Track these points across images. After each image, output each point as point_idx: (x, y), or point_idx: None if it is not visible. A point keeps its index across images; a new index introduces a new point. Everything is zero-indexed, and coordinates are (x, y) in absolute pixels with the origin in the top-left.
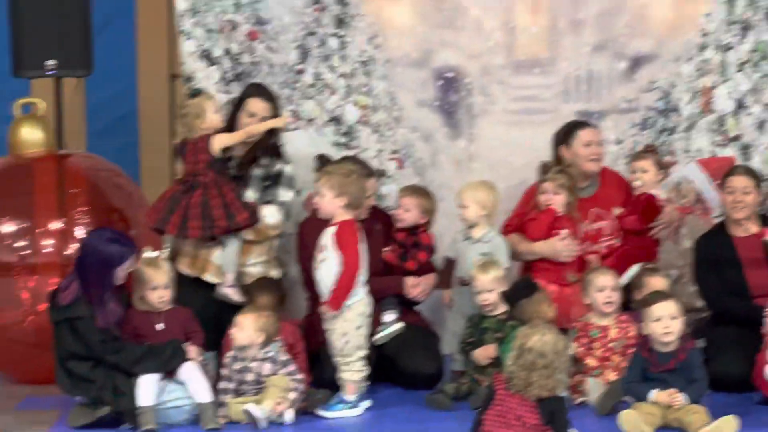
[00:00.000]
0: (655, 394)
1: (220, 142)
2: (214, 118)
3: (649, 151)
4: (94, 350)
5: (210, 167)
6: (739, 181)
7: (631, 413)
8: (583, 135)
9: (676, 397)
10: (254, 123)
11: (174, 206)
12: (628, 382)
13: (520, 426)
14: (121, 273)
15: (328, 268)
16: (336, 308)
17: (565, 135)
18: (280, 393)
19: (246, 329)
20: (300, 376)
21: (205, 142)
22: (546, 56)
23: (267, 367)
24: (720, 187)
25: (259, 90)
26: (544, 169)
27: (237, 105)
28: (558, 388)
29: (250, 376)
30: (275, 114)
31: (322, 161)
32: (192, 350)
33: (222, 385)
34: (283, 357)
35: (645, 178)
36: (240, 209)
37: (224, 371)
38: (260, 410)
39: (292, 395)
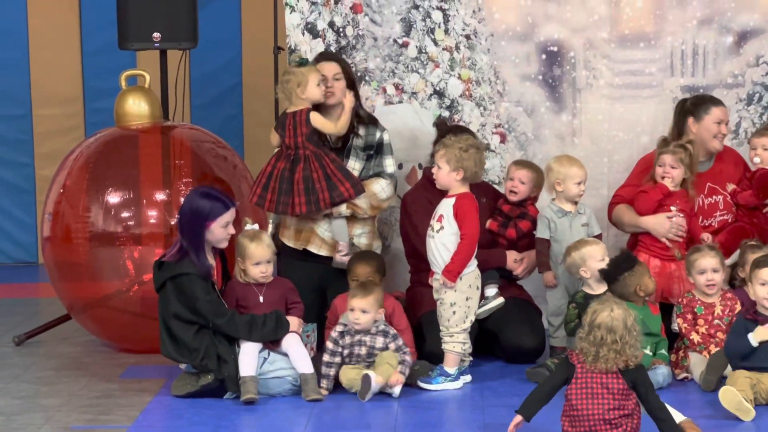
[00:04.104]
0: (754, 333)
1: (316, 122)
2: (315, 90)
3: None
4: (200, 307)
5: (309, 141)
6: None
7: (731, 390)
8: (716, 112)
9: None
10: (329, 83)
11: (276, 183)
12: (731, 346)
13: (606, 393)
14: (216, 229)
15: (443, 239)
16: (453, 279)
17: (695, 107)
18: (391, 369)
19: (371, 311)
20: (408, 349)
21: (304, 115)
22: (651, 30)
23: (380, 341)
24: None
25: (320, 55)
26: (664, 142)
27: None
28: (631, 361)
29: (363, 350)
30: (345, 71)
31: (441, 126)
32: (293, 321)
33: (327, 358)
34: (393, 330)
35: (764, 156)
36: (343, 181)
37: (330, 345)
38: (376, 381)
39: (400, 367)
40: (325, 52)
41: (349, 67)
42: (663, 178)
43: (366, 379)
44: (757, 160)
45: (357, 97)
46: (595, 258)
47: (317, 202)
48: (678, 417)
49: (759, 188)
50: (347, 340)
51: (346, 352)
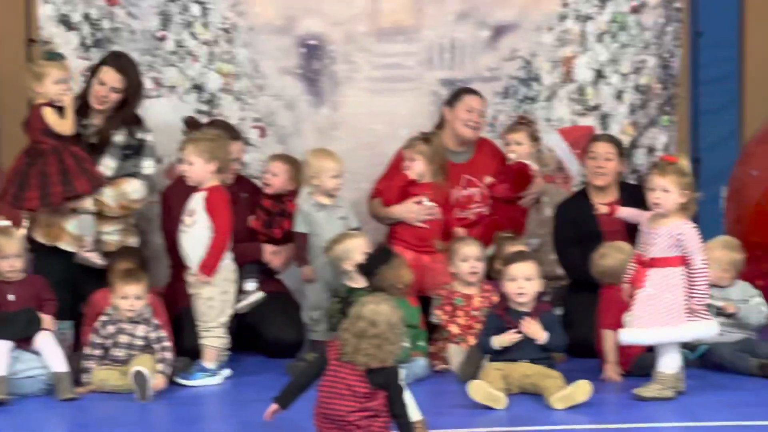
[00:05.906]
0: (497, 338)
1: (47, 119)
2: (51, 87)
3: (523, 123)
4: None
5: (47, 135)
6: (602, 147)
7: (477, 383)
8: (467, 100)
9: (514, 338)
10: (103, 91)
11: (14, 177)
12: (482, 343)
13: (350, 395)
14: None
15: (196, 233)
16: (209, 273)
17: (452, 97)
18: (149, 363)
19: (143, 296)
20: (169, 344)
21: (38, 110)
22: (410, 24)
23: (141, 329)
24: (580, 156)
25: (115, 59)
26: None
27: (93, 71)
28: (388, 360)
29: (123, 338)
30: (128, 86)
31: (190, 124)
32: (46, 319)
33: (88, 350)
34: (156, 320)
35: (519, 150)
36: (78, 176)
37: (92, 336)
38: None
39: (160, 366)
40: (118, 57)
41: (137, 79)
42: (405, 169)
43: (139, 377)
44: (513, 155)
45: (130, 102)
46: (358, 251)
47: (49, 196)
48: (416, 416)
49: (514, 181)
50: (110, 329)
51: (109, 342)
